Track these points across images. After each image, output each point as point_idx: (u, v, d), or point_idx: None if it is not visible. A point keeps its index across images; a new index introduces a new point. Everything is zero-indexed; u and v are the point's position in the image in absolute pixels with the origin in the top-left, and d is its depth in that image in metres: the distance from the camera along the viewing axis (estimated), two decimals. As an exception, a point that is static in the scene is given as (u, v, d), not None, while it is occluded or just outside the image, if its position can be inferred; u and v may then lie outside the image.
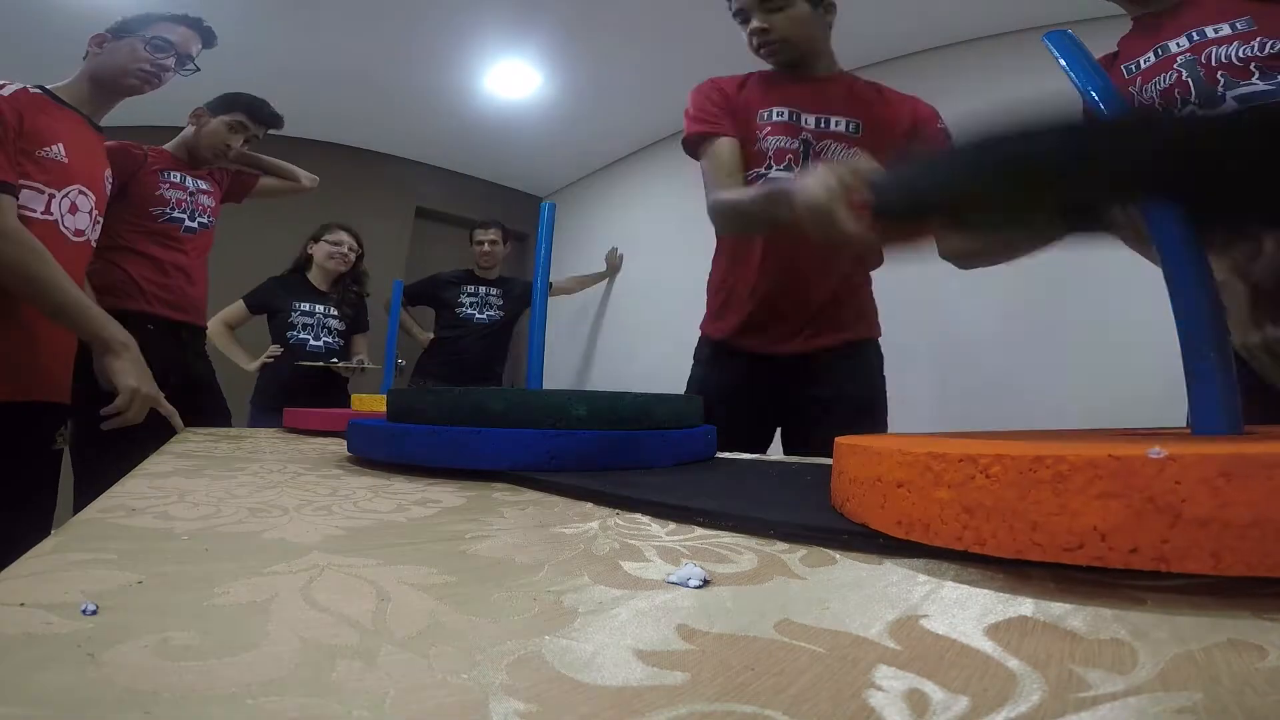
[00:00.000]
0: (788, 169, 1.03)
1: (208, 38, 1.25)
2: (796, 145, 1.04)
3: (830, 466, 0.34)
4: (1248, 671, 0.14)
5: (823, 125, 1.05)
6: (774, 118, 1.06)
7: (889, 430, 1.14)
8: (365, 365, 2.15)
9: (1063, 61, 0.40)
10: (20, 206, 0.96)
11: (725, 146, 1.05)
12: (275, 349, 2.09)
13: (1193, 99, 0.81)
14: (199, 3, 2.10)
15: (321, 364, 2.05)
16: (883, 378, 1.16)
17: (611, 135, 3.13)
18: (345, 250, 2.18)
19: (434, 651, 0.15)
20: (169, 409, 1.03)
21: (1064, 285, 1.89)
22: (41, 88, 1.05)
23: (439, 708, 0.13)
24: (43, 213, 1.00)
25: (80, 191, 1.06)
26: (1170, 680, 0.14)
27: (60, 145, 1.01)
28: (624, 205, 3.32)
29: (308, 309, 2.11)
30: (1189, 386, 0.32)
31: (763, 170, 1.05)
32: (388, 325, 1.40)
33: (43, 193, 1.00)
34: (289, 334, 2.08)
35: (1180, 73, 0.82)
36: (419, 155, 3.50)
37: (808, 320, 1.11)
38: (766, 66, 1.11)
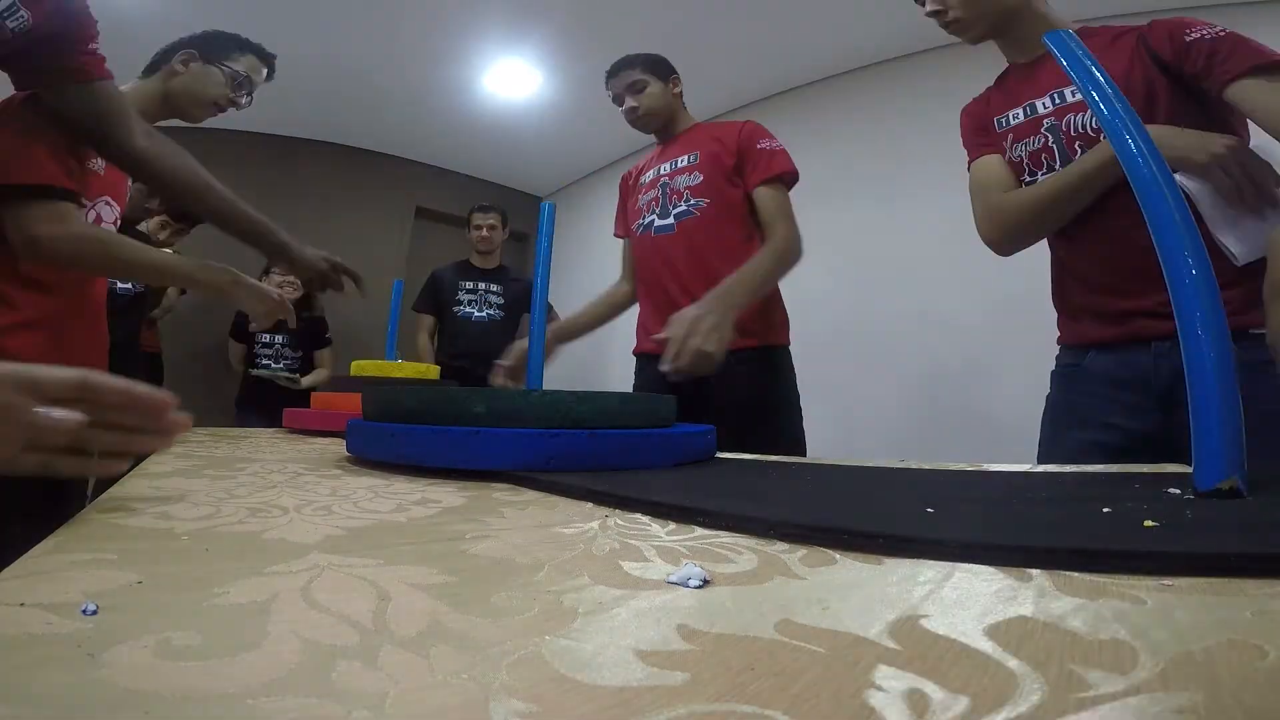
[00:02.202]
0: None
1: (271, 69, 1.24)
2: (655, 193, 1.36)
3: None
4: (1248, 671, 0.14)
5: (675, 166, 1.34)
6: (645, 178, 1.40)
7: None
8: (296, 380, 2.53)
9: (1063, 61, 0.40)
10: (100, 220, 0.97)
11: None
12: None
13: (1057, 165, 0.84)
14: (200, 3, 2.10)
15: (268, 375, 2.50)
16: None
17: (612, 135, 3.12)
18: (290, 285, 2.43)
19: (434, 651, 0.15)
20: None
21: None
22: None
23: (439, 708, 0.12)
24: None
25: (106, 203, 1.07)
26: (1170, 680, 0.14)
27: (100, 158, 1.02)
28: (624, 205, 3.32)
29: (266, 340, 2.53)
30: (1193, 433, 0.32)
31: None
32: (388, 325, 1.40)
33: (82, 205, 1.02)
34: (259, 360, 2.52)
35: (1047, 138, 0.85)
36: (419, 155, 3.50)
37: None
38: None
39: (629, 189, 1.47)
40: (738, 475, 0.50)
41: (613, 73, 1.38)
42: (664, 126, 1.38)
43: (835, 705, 0.13)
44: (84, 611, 0.17)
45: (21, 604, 0.18)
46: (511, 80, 2.72)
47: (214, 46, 1.13)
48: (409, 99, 2.88)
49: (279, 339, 2.55)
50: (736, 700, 0.13)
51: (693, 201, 1.28)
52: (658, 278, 1.32)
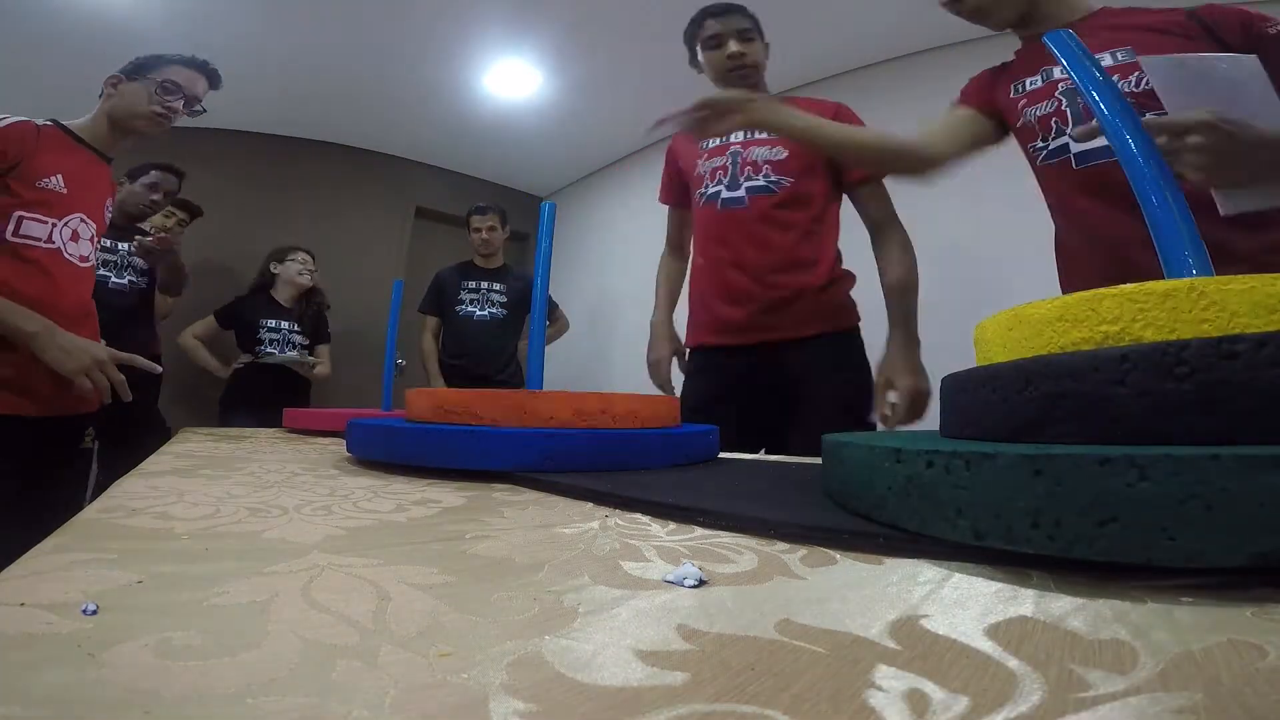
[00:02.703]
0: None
1: (214, 80, 1.29)
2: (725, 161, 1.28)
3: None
4: (1248, 671, 0.14)
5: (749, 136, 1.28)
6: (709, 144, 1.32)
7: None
8: (316, 362, 2.40)
9: (1064, 61, 0.40)
10: (24, 236, 1.01)
11: None
12: (245, 357, 2.32)
13: (1068, 129, 0.84)
14: (201, 2, 2.11)
15: (282, 360, 2.30)
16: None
17: (611, 135, 3.13)
18: (311, 267, 2.43)
19: (434, 651, 0.15)
20: (116, 378, 1.02)
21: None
22: (55, 122, 1.10)
23: (439, 708, 0.13)
24: (46, 241, 1.05)
25: (81, 220, 1.12)
26: (1170, 680, 0.14)
27: (59, 176, 1.06)
28: (624, 205, 3.33)
29: (274, 325, 2.35)
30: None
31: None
32: (388, 325, 1.39)
33: (45, 222, 1.05)
34: (257, 348, 2.30)
35: (1060, 101, 0.85)
36: (419, 155, 3.50)
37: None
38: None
39: (682, 153, 1.36)
40: (738, 475, 0.50)
41: (717, 12, 1.24)
42: (753, 87, 1.23)
43: (835, 705, 0.13)
44: (84, 611, 0.17)
45: (21, 604, 0.18)
46: (511, 80, 2.72)
47: (139, 65, 1.20)
48: (409, 99, 2.88)
49: (284, 324, 2.39)
50: (736, 700, 0.13)
51: (772, 178, 1.20)
52: (723, 251, 1.22)
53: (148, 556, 0.23)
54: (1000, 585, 0.21)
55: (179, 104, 1.21)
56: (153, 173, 1.88)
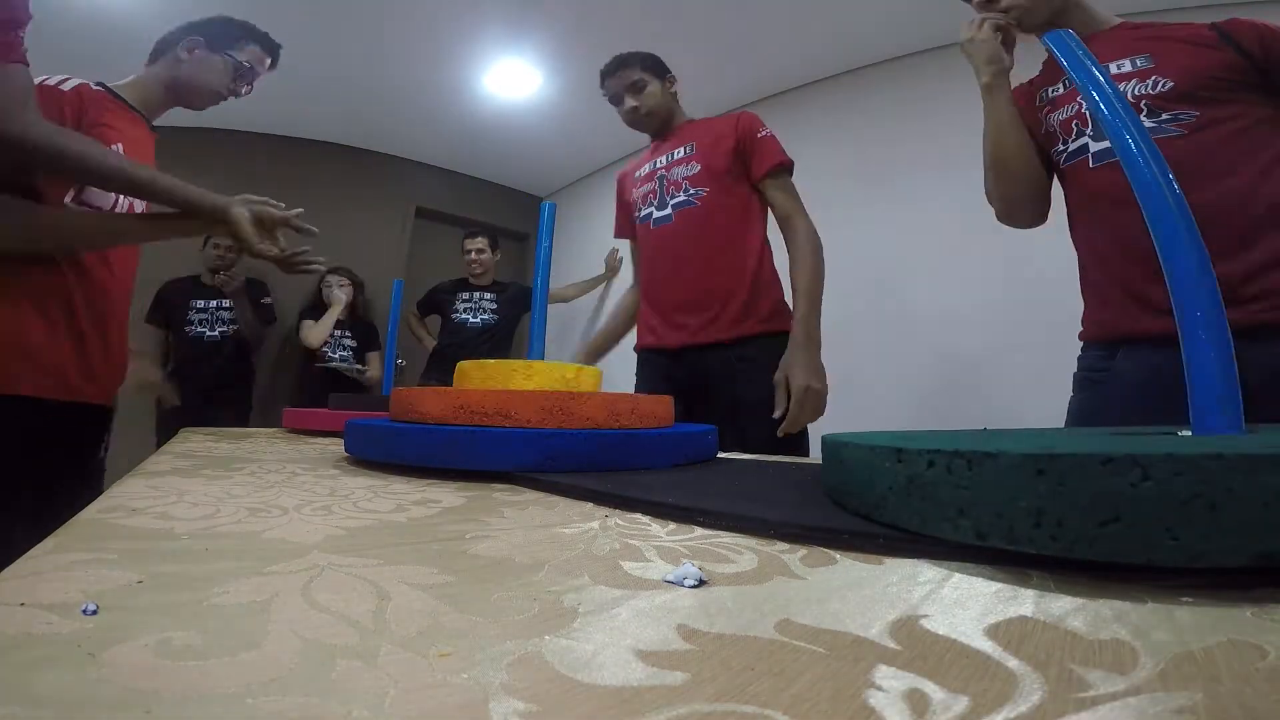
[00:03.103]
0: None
1: (275, 58, 1.23)
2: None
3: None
4: (1248, 671, 0.14)
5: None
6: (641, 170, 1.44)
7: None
8: (365, 369, 2.66)
9: (1063, 61, 0.40)
10: (84, 202, 0.95)
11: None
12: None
13: (1089, 131, 0.86)
14: (200, 3, 2.10)
15: (336, 367, 2.60)
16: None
17: (612, 135, 3.12)
18: (344, 281, 2.72)
19: (434, 651, 0.15)
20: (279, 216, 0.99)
21: (1047, 283, 1.90)
22: (103, 85, 1.02)
23: (439, 708, 0.13)
24: (110, 209, 0.99)
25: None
26: (1171, 680, 0.14)
27: (119, 145, 0.98)
28: (624, 205, 3.32)
29: (337, 335, 2.68)
30: (1188, 378, 0.32)
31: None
32: (388, 325, 1.40)
33: (107, 194, 0.98)
34: (322, 349, 2.63)
35: (1081, 104, 0.87)
36: (419, 155, 3.49)
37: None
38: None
39: (625, 187, 1.49)
40: (738, 475, 0.50)
41: (609, 71, 1.38)
42: (661, 125, 1.40)
43: (835, 705, 0.13)
44: (84, 611, 0.17)
45: (21, 604, 0.18)
46: (511, 80, 2.72)
47: (220, 34, 1.11)
48: (409, 99, 2.88)
49: (335, 331, 2.65)
50: (736, 700, 0.13)
51: (691, 191, 1.29)
52: (657, 269, 1.33)
53: (148, 556, 0.23)
54: (1000, 585, 0.21)
55: (246, 90, 1.16)
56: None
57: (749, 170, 1.28)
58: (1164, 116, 0.79)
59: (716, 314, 1.25)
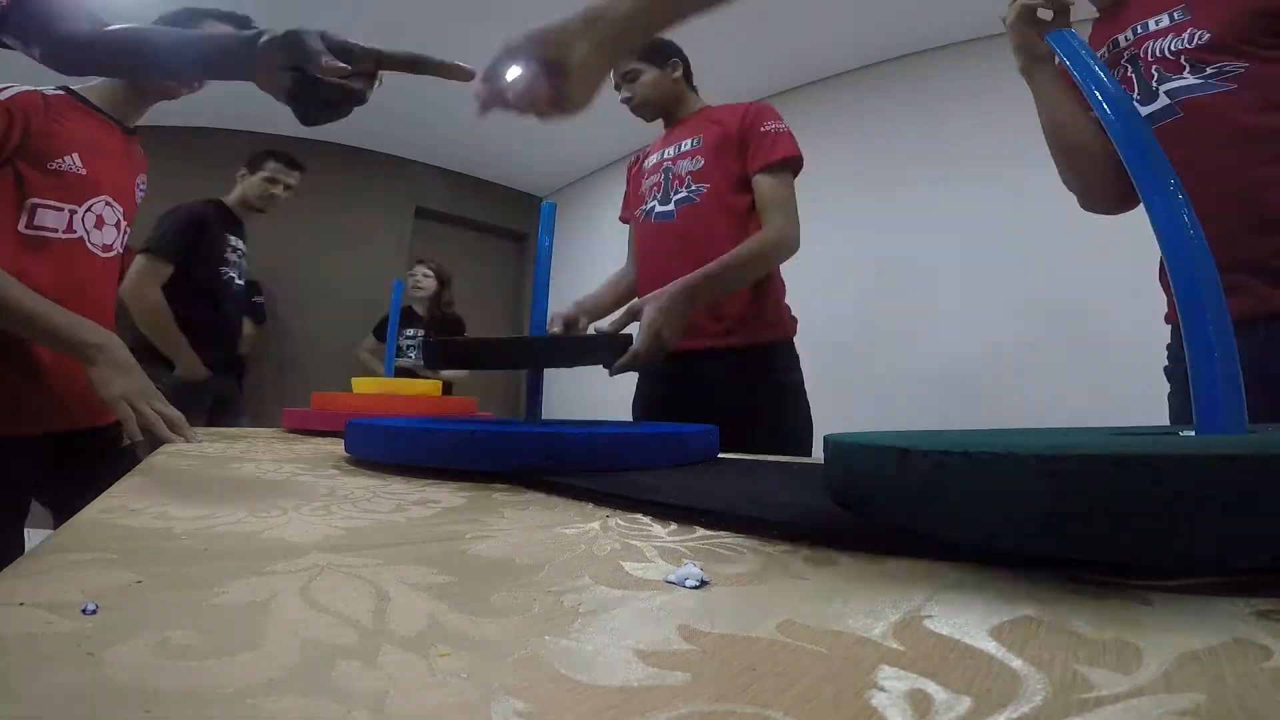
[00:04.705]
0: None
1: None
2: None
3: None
4: (1252, 672, 0.14)
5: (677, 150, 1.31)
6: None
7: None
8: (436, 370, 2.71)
9: (1066, 60, 0.40)
10: (39, 227, 0.88)
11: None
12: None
13: (1135, 94, 0.82)
14: (200, 3, 2.10)
15: (411, 365, 2.61)
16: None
17: (612, 134, 3.13)
18: (418, 276, 2.73)
19: (434, 651, 0.15)
20: (172, 413, 0.80)
21: (1055, 291, 1.90)
22: (65, 88, 0.96)
23: (439, 708, 0.12)
24: (65, 231, 0.91)
25: (106, 203, 0.98)
26: (1174, 681, 0.14)
27: (75, 155, 0.92)
28: (624, 205, 3.32)
29: (410, 334, 2.69)
30: (1191, 379, 0.32)
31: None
32: (389, 325, 1.40)
33: (62, 210, 0.91)
34: (405, 344, 2.66)
35: (1126, 68, 0.83)
36: (419, 155, 3.50)
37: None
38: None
39: (635, 174, 1.42)
40: (739, 475, 0.50)
41: None
42: (667, 113, 1.33)
43: (837, 706, 0.13)
44: (84, 611, 0.17)
45: (21, 604, 0.17)
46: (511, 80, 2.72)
47: (177, 17, 1.10)
48: (409, 99, 2.88)
49: (415, 332, 2.68)
50: (737, 701, 0.13)
51: (694, 187, 1.24)
52: (655, 266, 1.26)
53: (147, 556, 0.23)
54: (1004, 585, 0.21)
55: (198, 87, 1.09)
56: (270, 164, 1.91)
57: (746, 164, 1.21)
58: (1208, 71, 0.74)
59: (716, 319, 1.20)
